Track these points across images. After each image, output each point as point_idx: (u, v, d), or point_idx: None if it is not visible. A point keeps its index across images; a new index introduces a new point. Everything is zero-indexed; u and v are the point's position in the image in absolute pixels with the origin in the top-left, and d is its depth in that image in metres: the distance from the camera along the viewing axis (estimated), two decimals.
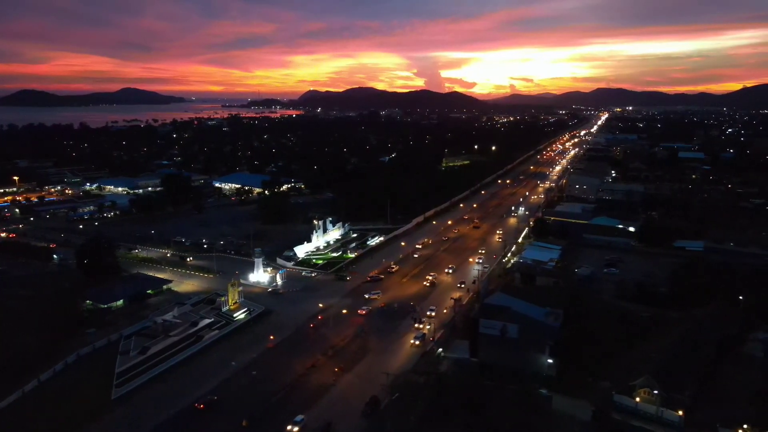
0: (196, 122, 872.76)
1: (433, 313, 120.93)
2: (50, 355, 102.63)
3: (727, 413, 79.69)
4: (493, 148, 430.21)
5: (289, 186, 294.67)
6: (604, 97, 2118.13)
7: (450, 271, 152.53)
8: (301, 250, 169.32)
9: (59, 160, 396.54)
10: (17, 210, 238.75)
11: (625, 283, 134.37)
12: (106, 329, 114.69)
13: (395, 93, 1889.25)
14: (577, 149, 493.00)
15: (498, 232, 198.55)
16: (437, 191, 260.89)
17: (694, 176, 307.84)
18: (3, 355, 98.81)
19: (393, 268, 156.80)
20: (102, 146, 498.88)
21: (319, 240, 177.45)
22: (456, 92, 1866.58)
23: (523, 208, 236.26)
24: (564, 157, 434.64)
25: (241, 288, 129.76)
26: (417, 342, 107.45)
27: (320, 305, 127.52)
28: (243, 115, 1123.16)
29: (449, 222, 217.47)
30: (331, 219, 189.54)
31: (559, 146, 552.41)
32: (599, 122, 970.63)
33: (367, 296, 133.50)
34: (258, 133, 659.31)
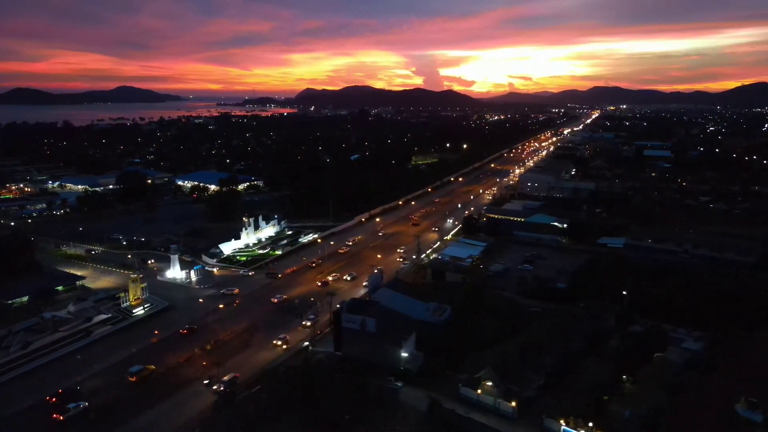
0: (184, 120, 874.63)
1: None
2: None
3: (565, 406, 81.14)
4: (465, 146, 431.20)
5: (248, 184, 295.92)
6: (600, 95, 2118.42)
7: (349, 278, 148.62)
8: (228, 247, 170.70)
9: (31, 158, 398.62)
10: None
11: (526, 279, 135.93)
12: (1, 325, 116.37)
13: (390, 91, 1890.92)
14: (552, 147, 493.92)
15: (434, 229, 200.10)
16: (392, 189, 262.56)
17: (653, 174, 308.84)
18: None
19: (313, 264, 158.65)
20: (81, 144, 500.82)
21: (249, 237, 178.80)
22: (451, 91, 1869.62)
23: (472, 207, 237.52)
24: (535, 156, 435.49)
25: (144, 284, 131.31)
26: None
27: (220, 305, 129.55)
28: (234, 113, 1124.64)
29: (390, 220, 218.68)
30: (262, 216, 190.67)
31: (535, 144, 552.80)
32: (588, 121, 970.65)
33: (223, 291, 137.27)
34: (242, 131, 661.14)
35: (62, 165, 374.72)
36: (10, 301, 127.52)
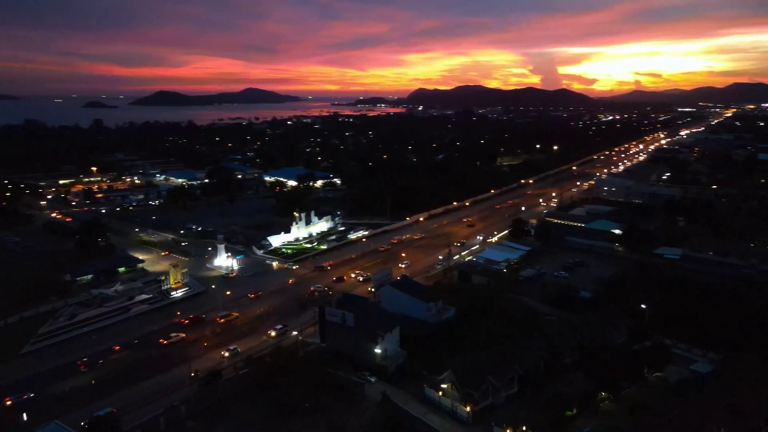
0: (294, 119, 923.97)
1: None
2: (7, 315, 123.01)
3: (530, 416, 78.59)
4: (555, 147, 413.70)
5: (326, 181, 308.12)
6: (739, 92, 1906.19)
7: (361, 277, 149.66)
8: (277, 240, 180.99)
9: (150, 153, 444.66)
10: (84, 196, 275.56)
11: (548, 286, 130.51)
12: (65, 298, 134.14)
13: (502, 91, 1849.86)
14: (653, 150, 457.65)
15: (494, 232, 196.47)
16: (461, 189, 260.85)
17: (762, 180, 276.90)
18: None
19: (353, 257, 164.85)
20: (196, 142, 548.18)
21: (300, 231, 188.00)
22: (565, 89, 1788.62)
23: (538, 210, 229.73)
24: (633, 159, 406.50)
25: (185, 270, 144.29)
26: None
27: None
28: (342, 113, 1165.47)
29: (446, 221, 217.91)
30: (319, 212, 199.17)
31: (640, 147, 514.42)
32: (715, 121, 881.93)
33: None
34: (344, 130, 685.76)
35: (173, 160, 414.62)
36: (77, 278, 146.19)
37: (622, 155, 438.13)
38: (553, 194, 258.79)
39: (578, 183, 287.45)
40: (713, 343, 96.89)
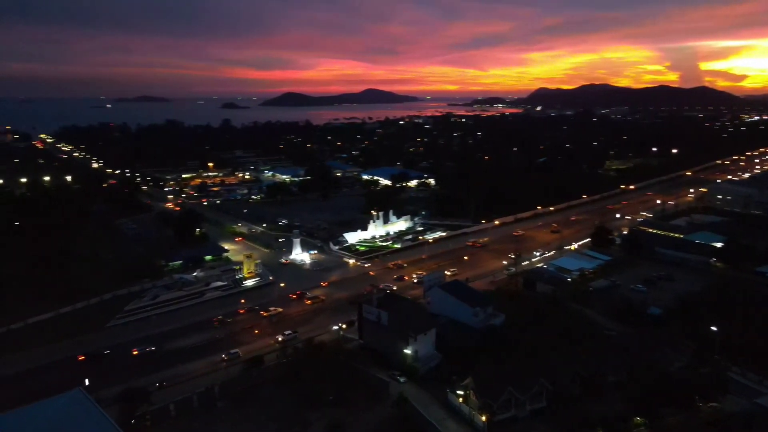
0: (407, 119, 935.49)
1: None
2: (104, 292, 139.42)
3: None
4: (674, 150, 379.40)
5: (419, 181, 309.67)
6: None
7: (415, 278, 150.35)
8: (353, 237, 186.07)
9: (265, 150, 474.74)
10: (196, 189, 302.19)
11: (614, 301, 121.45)
12: (155, 281, 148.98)
13: (630, 89, 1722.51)
14: None
15: (576, 239, 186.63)
16: (555, 193, 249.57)
17: None
18: (79, 293, 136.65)
19: (422, 257, 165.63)
20: (308, 141, 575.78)
21: (377, 229, 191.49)
22: (704, 87, 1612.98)
23: (634, 218, 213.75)
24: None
25: (258, 260, 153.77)
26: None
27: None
28: (456, 113, 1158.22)
29: (532, 225, 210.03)
30: (397, 211, 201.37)
31: None
32: None
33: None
34: (454, 130, 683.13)
35: (283, 158, 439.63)
36: (169, 264, 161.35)
37: (755, 161, 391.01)
38: (658, 201, 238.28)
39: (691, 190, 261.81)
40: None
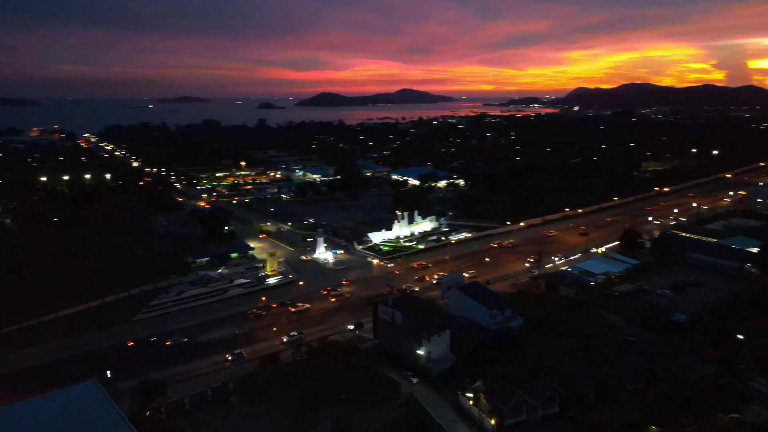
0: (441, 119, 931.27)
1: None
2: (132, 287, 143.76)
3: None
4: (715, 152, 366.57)
5: (448, 181, 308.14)
6: None
7: (435, 280, 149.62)
8: (378, 237, 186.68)
9: (298, 150, 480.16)
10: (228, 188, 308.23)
11: (638, 306, 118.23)
12: (181, 277, 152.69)
13: (673, 89, 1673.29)
14: None
15: (604, 242, 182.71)
16: (587, 194, 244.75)
17: None
18: (110, 287, 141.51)
19: (445, 258, 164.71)
20: (343, 140, 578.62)
21: (402, 229, 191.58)
22: (752, 86, 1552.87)
23: (667, 221, 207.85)
24: None
25: (281, 259, 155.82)
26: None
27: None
28: (491, 113, 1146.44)
29: (560, 228, 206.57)
30: (427, 212, 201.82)
31: None
32: None
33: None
34: (488, 131, 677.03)
35: (314, 157, 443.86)
36: (196, 260, 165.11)
37: None
38: (693, 204, 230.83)
39: (730, 193, 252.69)
40: None
